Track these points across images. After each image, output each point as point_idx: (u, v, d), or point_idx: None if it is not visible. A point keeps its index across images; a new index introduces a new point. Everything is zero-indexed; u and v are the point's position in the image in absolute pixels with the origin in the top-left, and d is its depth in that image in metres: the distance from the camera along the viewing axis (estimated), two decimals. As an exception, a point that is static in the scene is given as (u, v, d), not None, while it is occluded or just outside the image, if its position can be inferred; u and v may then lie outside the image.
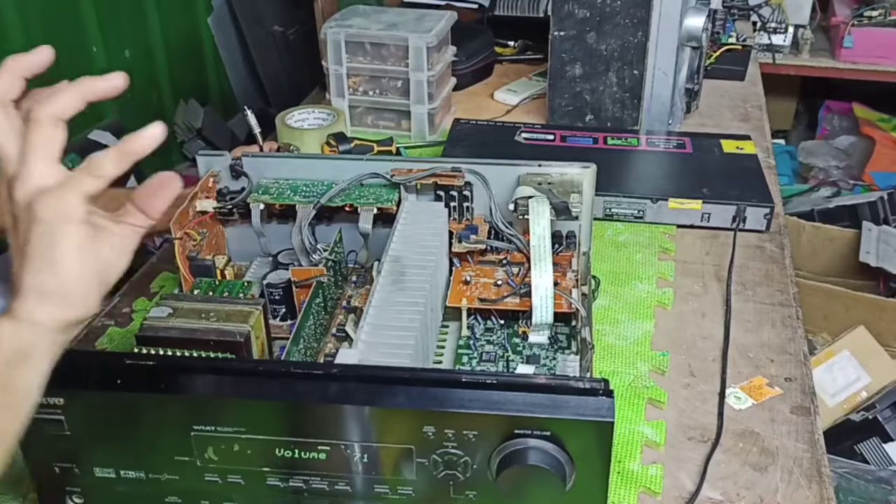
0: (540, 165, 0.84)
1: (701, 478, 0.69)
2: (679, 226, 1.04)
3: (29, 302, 0.49)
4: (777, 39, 2.28)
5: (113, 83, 0.55)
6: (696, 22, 1.18)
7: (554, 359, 0.77)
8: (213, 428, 0.59)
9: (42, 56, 0.56)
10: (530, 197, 0.80)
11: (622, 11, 1.17)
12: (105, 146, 2.01)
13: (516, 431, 0.56)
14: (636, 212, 1.04)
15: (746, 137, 1.17)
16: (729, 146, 1.15)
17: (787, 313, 0.90)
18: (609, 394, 0.55)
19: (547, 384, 0.57)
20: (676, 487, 0.69)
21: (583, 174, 0.84)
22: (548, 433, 0.55)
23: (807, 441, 0.74)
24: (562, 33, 1.21)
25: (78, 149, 1.90)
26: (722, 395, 0.79)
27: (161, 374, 0.59)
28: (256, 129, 1.01)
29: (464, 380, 0.57)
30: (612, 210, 1.05)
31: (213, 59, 2.62)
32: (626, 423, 0.76)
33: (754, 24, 2.02)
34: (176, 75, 2.43)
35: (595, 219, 1.04)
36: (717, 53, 1.47)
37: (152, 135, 0.52)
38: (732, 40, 1.51)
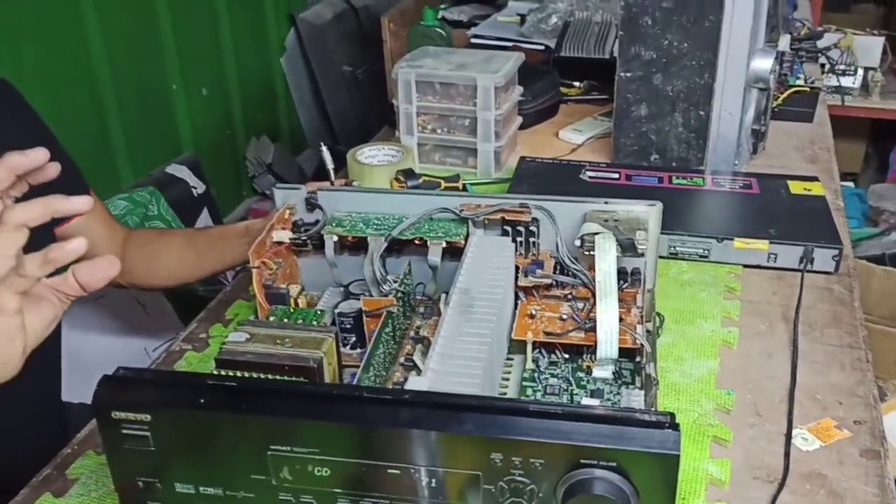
0: (606, 203, 0.86)
1: (767, 518, 0.69)
2: (745, 266, 1.04)
3: None
4: (846, 81, 2.26)
5: (78, 205, 0.63)
6: (764, 64, 1.19)
7: (618, 393, 0.78)
8: (288, 448, 0.61)
9: (36, 157, 0.63)
10: (596, 233, 0.81)
11: (689, 53, 1.19)
12: (181, 180, 2.10)
13: (582, 461, 0.57)
14: (701, 251, 1.04)
15: (814, 179, 1.17)
16: (796, 187, 1.14)
17: (856, 356, 0.89)
18: (675, 427, 0.56)
19: (613, 416, 0.58)
20: (741, 526, 0.69)
21: (648, 212, 0.85)
22: (614, 464, 0.56)
23: (877, 485, 0.73)
24: (628, 74, 1.23)
25: (155, 181, 1.99)
26: (788, 436, 0.78)
27: (241, 395, 0.62)
28: (330, 165, 1.06)
29: (531, 409, 0.58)
30: (677, 249, 1.05)
31: (285, 97, 2.71)
32: (691, 461, 0.76)
33: (822, 66, 2.00)
34: (249, 112, 2.52)
35: (660, 257, 1.05)
36: (785, 95, 1.47)
37: (74, 249, 0.60)
38: (800, 82, 1.51)
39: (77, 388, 1.04)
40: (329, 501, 0.63)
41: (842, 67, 2.24)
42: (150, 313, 1.62)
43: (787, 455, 0.76)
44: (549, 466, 0.57)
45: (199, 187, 2.13)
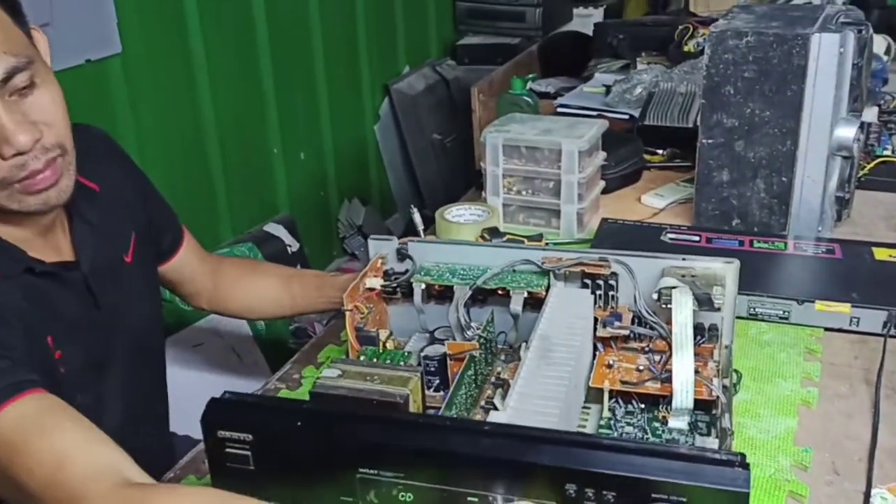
0: (684, 259, 0.89)
1: (842, 572, 0.69)
2: (826, 329, 1.05)
3: None
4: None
5: None
6: (847, 132, 1.21)
7: (693, 444, 0.80)
8: (376, 472, 0.66)
9: None
10: (674, 287, 0.84)
11: (771, 121, 1.21)
12: (277, 238, 2.21)
13: (654, 496, 0.59)
14: (781, 312, 1.05)
15: (900, 246, 1.17)
16: (881, 254, 1.15)
17: (940, 420, 0.88)
18: (745, 466, 0.58)
19: (685, 453, 0.60)
20: (816, 579, 0.69)
21: (725, 269, 0.88)
22: (684, 499, 0.59)
23: (959, 548, 0.72)
24: (710, 141, 1.26)
25: (253, 238, 2.10)
26: (868, 494, 0.78)
27: (335, 420, 0.67)
28: (420, 227, 1.13)
29: (605, 443, 0.62)
30: (757, 310, 1.06)
31: (377, 162, 2.83)
32: (766, 513, 0.76)
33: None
34: (342, 176, 2.65)
35: (739, 318, 1.07)
36: (872, 165, 1.47)
37: None
38: (888, 153, 1.51)
39: (181, 421, 1.11)
40: (411, 525, 0.67)
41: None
42: (245, 362, 1.71)
43: (865, 513, 0.76)
44: (622, 499, 0.60)
45: (293, 245, 2.24)
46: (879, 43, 2.11)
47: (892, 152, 1.52)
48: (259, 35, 2.22)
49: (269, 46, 2.25)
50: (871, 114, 1.60)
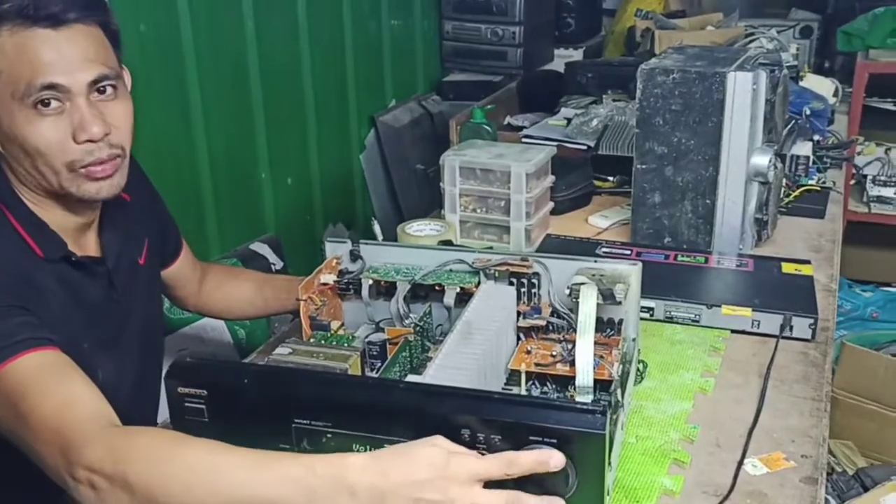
0: (595, 261, 1.03)
1: (705, 520, 0.82)
2: (732, 331, 1.18)
3: None
4: (887, 192, 2.37)
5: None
6: (762, 160, 1.35)
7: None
8: (308, 422, 0.78)
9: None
10: (582, 283, 0.98)
11: (695, 149, 1.36)
12: (263, 256, 2.34)
13: (531, 437, 0.72)
14: (693, 316, 1.19)
15: (806, 262, 1.30)
16: (788, 268, 1.28)
17: (816, 406, 1.01)
18: (604, 413, 0.71)
19: (558, 404, 0.74)
20: (682, 526, 0.81)
21: (630, 270, 1.01)
22: (554, 440, 0.71)
23: (809, 504, 0.85)
24: (643, 166, 1.41)
25: (239, 255, 2.24)
26: (740, 462, 0.91)
27: (275, 378, 0.80)
28: (380, 237, 1.27)
29: (494, 396, 0.75)
30: (672, 313, 1.20)
31: (361, 189, 2.98)
32: (650, 475, 0.89)
33: (854, 173, 2.13)
34: (328, 201, 2.79)
35: (656, 320, 1.21)
36: (797, 193, 1.61)
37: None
38: (812, 183, 1.65)
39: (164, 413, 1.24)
40: (337, 469, 0.79)
41: (882, 178, 2.35)
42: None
43: (735, 476, 0.89)
44: (505, 441, 0.73)
45: (277, 264, 2.37)
46: (828, 86, 2.27)
47: (817, 182, 1.66)
48: (251, 66, 2.37)
49: (260, 77, 2.39)
50: (804, 148, 1.75)
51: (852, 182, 2.26)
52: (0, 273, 0.91)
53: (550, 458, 0.70)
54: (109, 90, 0.96)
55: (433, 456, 0.69)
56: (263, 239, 2.43)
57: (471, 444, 0.74)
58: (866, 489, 1.69)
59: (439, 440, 0.70)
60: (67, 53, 0.92)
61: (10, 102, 0.91)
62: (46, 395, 0.82)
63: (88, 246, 1.05)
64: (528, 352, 1.00)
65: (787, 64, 1.48)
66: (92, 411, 0.81)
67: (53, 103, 0.92)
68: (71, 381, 0.84)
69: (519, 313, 1.04)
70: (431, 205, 3.01)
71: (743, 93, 1.30)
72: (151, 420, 1.16)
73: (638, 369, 1.06)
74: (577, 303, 0.98)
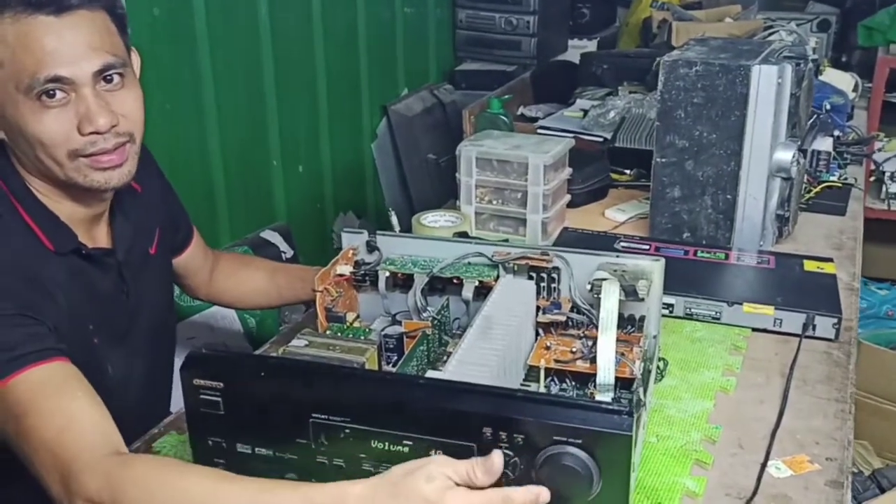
0: (617, 256, 1.00)
1: (729, 523, 0.80)
2: (754, 329, 1.16)
3: None
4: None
5: None
6: (786, 156, 1.33)
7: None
8: (326, 417, 0.77)
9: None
10: (604, 279, 0.96)
11: (717, 143, 1.34)
12: (273, 244, 2.33)
13: (555, 438, 0.70)
14: (714, 313, 1.17)
15: (829, 260, 1.28)
16: (810, 265, 1.26)
17: (840, 408, 0.99)
18: (630, 414, 0.69)
19: (584, 404, 0.72)
20: (706, 529, 0.80)
21: (652, 266, 0.99)
22: (580, 441, 0.70)
23: (835, 508, 0.83)
24: (663, 160, 1.38)
25: (250, 243, 2.22)
26: (764, 464, 0.89)
27: (293, 371, 0.78)
28: (397, 228, 1.25)
29: (518, 395, 0.73)
30: (692, 310, 1.18)
31: (372, 178, 2.96)
32: (671, 476, 0.87)
33: (873, 170, 2.10)
34: (339, 190, 2.77)
35: (676, 317, 1.19)
36: (818, 189, 1.59)
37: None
38: (834, 179, 1.63)
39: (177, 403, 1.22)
40: (355, 465, 0.78)
41: (896, 172, 2.32)
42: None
43: (758, 478, 0.87)
44: (529, 441, 0.71)
45: (287, 252, 2.36)
46: (847, 80, 2.24)
47: (839, 178, 1.64)
48: (264, 53, 2.35)
49: (273, 64, 2.38)
50: (825, 143, 1.72)
51: (871, 179, 2.23)
52: (6, 275, 0.89)
53: (539, 496, 0.69)
54: (116, 79, 0.93)
55: (429, 492, 0.67)
56: (274, 227, 2.42)
57: (493, 444, 0.72)
58: (882, 490, 1.67)
59: (439, 468, 0.68)
60: (71, 42, 0.89)
61: (14, 93, 0.89)
62: (47, 416, 0.80)
63: (99, 237, 1.03)
64: (548, 347, 0.98)
65: (811, 58, 1.44)
66: (92, 437, 0.80)
67: (58, 94, 0.89)
68: (73, 401, 0.82)
69: (538, 308, 1.02)
70: (443, 194, 2.99)
71: (767, 86, 1.28)
72: (164, 411, 1.14)
73: (658, 367, 1.05)
74: (598, 298, 0.96)
